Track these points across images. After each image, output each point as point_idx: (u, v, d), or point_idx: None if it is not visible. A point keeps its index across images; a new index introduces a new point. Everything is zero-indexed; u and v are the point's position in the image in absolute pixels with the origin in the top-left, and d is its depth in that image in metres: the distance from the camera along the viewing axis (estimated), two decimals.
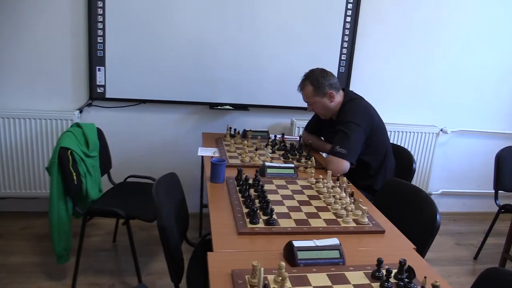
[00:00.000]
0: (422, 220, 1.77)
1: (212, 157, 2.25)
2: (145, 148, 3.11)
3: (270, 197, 1.77)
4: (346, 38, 3.10)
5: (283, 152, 2.45)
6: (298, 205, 1.77)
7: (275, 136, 2.68)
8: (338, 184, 1.94)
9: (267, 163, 2.12)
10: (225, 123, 3.15)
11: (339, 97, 2.37)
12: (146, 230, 3.01)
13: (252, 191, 1.77)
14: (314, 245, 1.36)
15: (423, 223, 1.76)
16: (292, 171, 2.12)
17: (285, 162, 2.31)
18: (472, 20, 3.30)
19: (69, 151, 2.24)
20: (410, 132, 3.35)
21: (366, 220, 1.67)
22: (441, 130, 3.47)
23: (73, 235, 2.47)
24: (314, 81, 2.30)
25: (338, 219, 1.68)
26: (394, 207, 1.91)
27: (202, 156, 2.37)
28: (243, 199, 1.78)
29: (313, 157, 2.25)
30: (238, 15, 2.92)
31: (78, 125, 2.48)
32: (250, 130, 2.78)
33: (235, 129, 2.76)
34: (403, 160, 2.53)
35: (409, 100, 3.36)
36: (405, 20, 3.19)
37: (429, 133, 3.37)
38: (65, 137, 2.30)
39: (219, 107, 3.03)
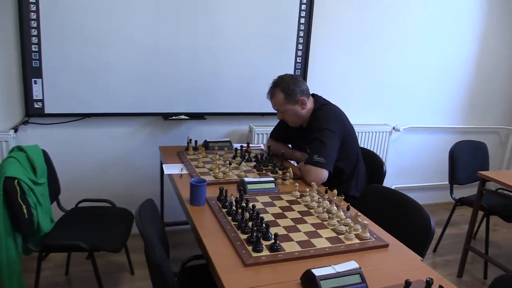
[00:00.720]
0: (415, 227, 1.77)
1: (181, 174, 2.09)
2: (94, 168, 2.85)
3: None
4: (301, 40, 3.07)
5: (255, 163, 2.34)
6: (293, 223, 1.69)
7: (241, 146, 2.56)
8: (327, 197, 1.87)
9: (246, 179, 2.01)
10: (180, 134, 2.99)
11: (310, 103, 2.32)
12: (98, 257, 2.73)
13: (246, 214, 1.65)
14: (334, 271, 1.28)
15: (416, 230, 1.76)
16: (273, 185, 2.04)
17: (259, 175, 2.21)
18: (417, 22, 3.42)
19: (16, 181, 1.95)
20: (364, 132, 3.42)
21: (367, 234, 1.63)
22: (393, 128, 3.56)
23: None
24: (285, 88, 2.23)
25: (339, 236, 1.62)
26: (379, 215, 1.88)
27: (164, 173, 2.19)
28: (235, 222, 1.66)
29: (290, 168, 2.17)
30: (191, 21, 2.77)
31: (20, 148, 2.18)
32: (216, 142, 2.65)
33: (196, 141, 2.60)
34: (373, 164, 2.54)
35: (362, 100, 3.42)
36: (356, 23, 3.24)
37: (382, 131, 3.46)
38: (8, 164, 2.01)
39: (174, 117, 2.85)
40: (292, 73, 3.12)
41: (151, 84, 2.76)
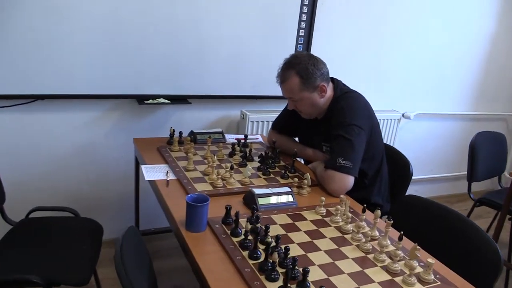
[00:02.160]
0: (473, 256, 1.44)
1: (167, 181, 1.66)
2: (49, 164, 2.34)
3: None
4: (304, 17, 2.65)
5: (259, 165, 1.92)
6: (330, 259, 1.31)
7: (239, 140, 2.13)
8: (364, 217, 1.49)
9: (256, 191, 1.59)
10: (159, 121, 2.52)
11: (329, 90, 1.92)
12: None
13: (274, 255, 1.22)
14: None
15: (476, 261, 1.43)
16: (290, 197, 1.64)
17: (267, 181, 1.82)
18: (429, 3, 3.09)
19: None
20: None
21: (431, 277, 1.24)
22: (403, 115, 3.27)
23: None
24: (303, 70, 1.82)
25: (394, 279, 1.23)
26: (421, 236, 1.51)
27: (145, 178, 1.74)
28: (254, 261, 1.23)
29: (308, 174, 1.76)
30: None
31: None
32: (205, 133, 2.21)
33: (180, 132, 2.14)
34: (396, 164, 2.18)
35: (368, 84, 3.07)
36: (365, 4, 2.85)
37: (391, 119, 3.15)
38: None
39: (151, 100, 2.37)
40: (293, 50, 2.69)
41: (122, 60, 2.27)
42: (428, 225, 1.62)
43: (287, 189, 1.66)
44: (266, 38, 2.55)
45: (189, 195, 1.41)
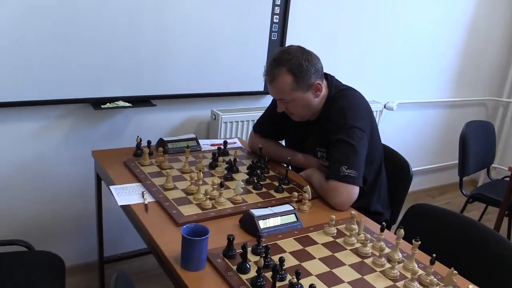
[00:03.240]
0: (496, 272, 1.40)
1: (145, 205, 1.52)
2: None
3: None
4: (278, 1, 2.56)
5: (248, 177, 1.82)
6: None
7: (219, 149, 2.01)
8: (383, 236, 1.42)
9: (255, 212, 1.48)
10: (118, 128, 2.36)
11: (324, 88, 1.84)
12: None
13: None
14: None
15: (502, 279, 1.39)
16: (293, 217, 1.54)
17: (261, 197, 1.71)
18: None
19: None
20: None
21: None
22: (385, 106, 3.28)
23: None
24: (296, 67, 1.72)
25: None
26: (436, 250, 1.45)
27: (118, 202, 1.60)
28: None
29: (308, 186, 1.68)
30: None
31: None
32: (177, 141, 2.08)
33: (149, 142, 1.98)
34: (394, 166, 2.14)
35: (349, 74, 2.98)
36: None
37: (373, 110, 3.07)
38: None
39: (109, 104, 2.21)
40: (267, 40, 2.58)
41: (72, 57, 2.07)
42: (443, 238, 1.59)
43: (288, 207, 1.57)
44: (238, 26, 2.44)
45: (185, 226, 1.28)
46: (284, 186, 1.79)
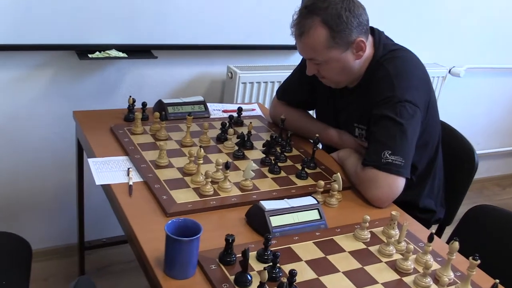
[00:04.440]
0: None
1: (129, 187, 1.50)
2: None
3: None
4: None
5: (264, 156, 1.75)
6: None
7: (232, 118, 1.92)
8: (431, 248, 1.34)
9: (266, 205, 1.42)
10: (108, 84, 2.34)
11: (368, 47, 1.74)
12: None
13: None
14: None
15: None
16: (316, 214, 1.46)
17: (278, 184, 1.64)
18: None
19: None
20: None
21: None
22: (450, 71, 3.18)
23: None
24: (332, 19, 1.61)
25: None
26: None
27: (96, 181, 1.56)
28: None
29: (338, 174, 1.59)
30: None
31: None
32: (180, 104, 2.04)
33: (144, 104, 1.94)
34: (455, 153, 2.03)
35: (403, 30, 2.88)
36: None
37: (433, 76, 3.01)
38: None
39: (98, 53, 2.19)
40: None
41: None
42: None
43: (311, 199, 1.48)
44: None
45: (170, 221, 1.19)
46: (308, 171, 1.71)
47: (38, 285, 2.24)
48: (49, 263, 2.42)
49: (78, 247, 2.26)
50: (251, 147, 1.84)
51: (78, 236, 2.23)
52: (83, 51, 2.18)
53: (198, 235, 1.16)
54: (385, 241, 1.38)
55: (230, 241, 1.23)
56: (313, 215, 1.45)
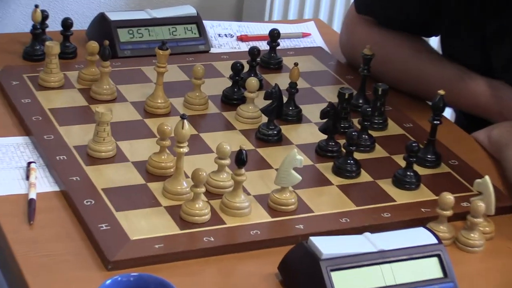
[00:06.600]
0: None
1: (29, 200, 1.35)
2: None
3: None
4: None
5: (325, 137, 1.47)
6: None
7: (257, 51, 1.62)
8: None
9: (323, 248, 1.20)
10: None
11: None
12: None
13: None
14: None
15: None
16: (438, 270, 1.18)
17: (350, 196, 1.39)
18: None
19: None
20: None
21: None
22: None
23: None
24: None
25: None
26: None
27: None
28: None
29: (486, 177, 1.32)
30: None
31: None
32: (152, 24, 1.81)
33: (68, 23, 1.70)
34: None
35: None
36: None
37: None
38: None
39: None
40: None
41: None
42: None
43: (424, 235, 1.19)
44: None
45: (110, 280, 1.01)
46: (421, 171, 1.41)
47: None
48: None
49: None
50: (298, 119, 1.52)
51: None
52: None
53: None
54: None
55: None
56: (430, 269, 1.16)
